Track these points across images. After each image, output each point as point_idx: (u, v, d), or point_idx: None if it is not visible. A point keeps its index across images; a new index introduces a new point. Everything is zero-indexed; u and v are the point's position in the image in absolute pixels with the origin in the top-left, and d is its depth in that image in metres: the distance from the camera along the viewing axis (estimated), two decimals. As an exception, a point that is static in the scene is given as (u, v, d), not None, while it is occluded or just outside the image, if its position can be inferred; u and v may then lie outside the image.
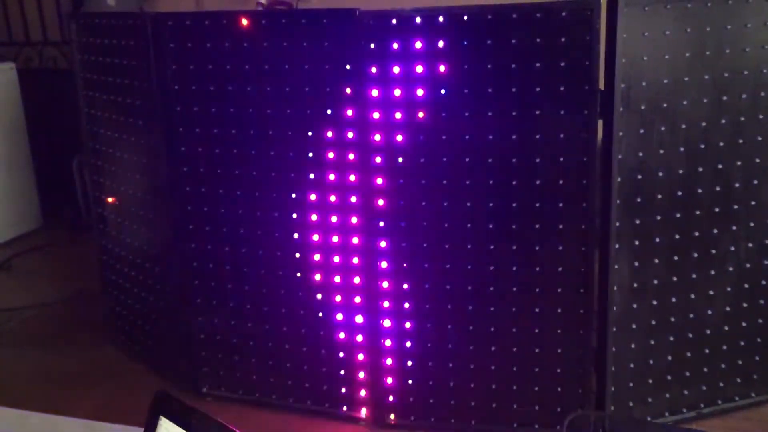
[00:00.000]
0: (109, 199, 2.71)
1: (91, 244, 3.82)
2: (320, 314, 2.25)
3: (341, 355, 2.26)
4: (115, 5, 3.93)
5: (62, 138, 4.42)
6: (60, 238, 4.11)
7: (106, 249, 2.80)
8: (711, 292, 2.15)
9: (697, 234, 2.09)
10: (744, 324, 2.20)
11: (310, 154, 2.15)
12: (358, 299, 2.21)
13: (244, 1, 3.86)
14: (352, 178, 2.12)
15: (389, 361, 2.22)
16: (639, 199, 2.02)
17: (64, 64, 4.62)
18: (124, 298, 2.76)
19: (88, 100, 2.67)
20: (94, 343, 2.86)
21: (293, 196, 2.19)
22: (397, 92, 2.02)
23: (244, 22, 2.12)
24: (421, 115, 2.02)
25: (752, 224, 2.13)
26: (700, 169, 2.05)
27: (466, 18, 1.94)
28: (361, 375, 2.26)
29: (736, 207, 2.10)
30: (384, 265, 2.15)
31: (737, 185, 2.09)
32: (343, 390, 2.29)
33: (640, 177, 2.01)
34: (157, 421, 0.66)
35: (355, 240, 2.17)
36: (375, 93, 2.03)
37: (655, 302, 2.11)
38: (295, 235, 2.22)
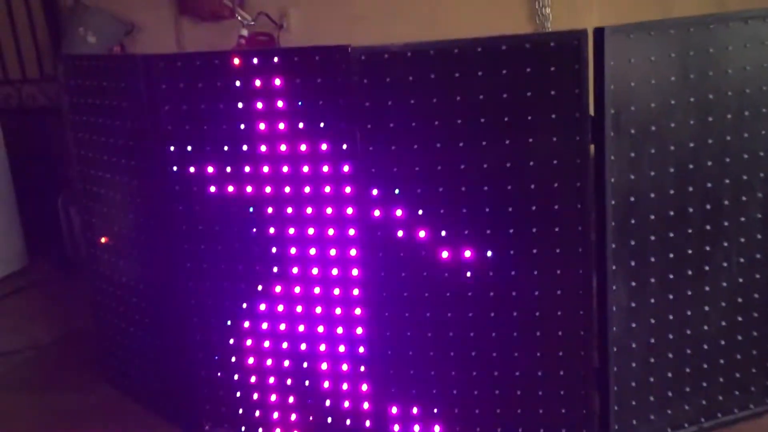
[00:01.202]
0: (102, 240, 2.70)
1: (79, 283, 3.81)
2: (322, 347, 2.26)
3: (345, 387, 2.27)
4: (96, 42, 3.92)
5: (45, 176, 4.40)
6: (47, 277, 4.07)
7: (100, 289, 2.78)
8: (706, 308, 2.19)
9: (690, 252, 2.14)
10: (739, 337, 2.24)
11: (307, 189, 2.16)
12: (359, 330, 2.22)
13: (226, 34, 3.88)
14: (350, 211, 2.15)
15: (393, 390, 2.23)
16: (633, 221, 2.06)
17: (44, 102, 4.61)
18: (120, 338, 2.74)
19: (78, 141, 2.67)
20: (90, 385, 2.83)
21: (291, 231, 2.20)
22: (392, 124, 2.05)
23: (236, 61, 2.14)
24: (415, 147, 2.05)
25: (743, 240, 2.18)
26: (690, 189, 2.10)
27: (456, 51, 1.98)
28: (366, 406, 2.26)
29: (726, 224, 2.15)
30: (384, 294, 2.17)
31: (726, 203, 2.14)
32: (348, 422, 2.29)
33: (632, 199, 2.05)
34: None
35: (355, 272, 2.19)
36: (370, 126, 2.06)
37: (653, 320, 2.14)
38: (294, 270, 2.23)
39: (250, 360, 2.35)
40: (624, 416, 2.16)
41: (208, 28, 4.02)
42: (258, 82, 2.12)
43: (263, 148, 2.17)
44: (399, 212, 2.10)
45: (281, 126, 2.14)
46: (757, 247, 2.20)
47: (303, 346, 2.28)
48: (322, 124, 2.11)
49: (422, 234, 2.10)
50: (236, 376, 2.38)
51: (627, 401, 2.16)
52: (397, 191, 2.09)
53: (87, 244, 2.79)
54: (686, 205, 2.11)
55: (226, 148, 2.20)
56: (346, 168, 2.13)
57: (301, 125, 2.12)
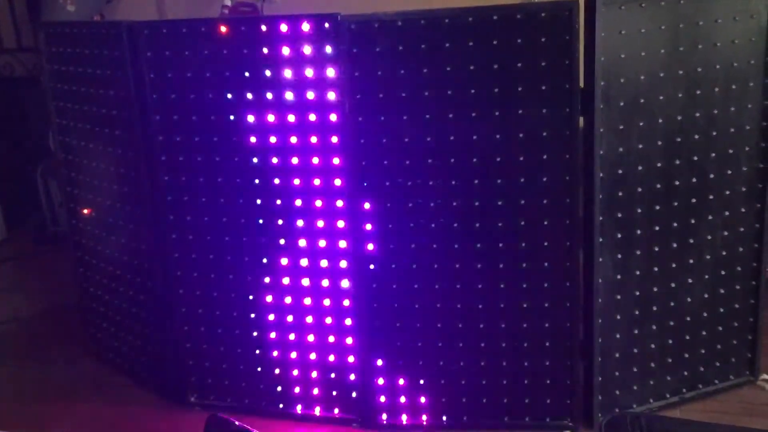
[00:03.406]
0: (85, 211, 2.66)
1: (58, 256, 3.76)
2: (309, 319, 2.26)
3: (331, 358, 2.27)
4: (75, 11, 3.84)
5: (23, 147, 4.33)
6: (26, 250, 4.02)
7: (83, 261, 2.75)
8: (690, 281, 2.21)
9: (675, 225, 2.15)
10: (721, 310, 2.27)
11: (295, 160, 2.15)
12: (346, 302, 2.22)
13: (208, 4, 3.82)
14: (338, 182, 2.13)
15: (379, 362, 2.23)
16: (620, 193, 2.07)
17: (22, 72, 4.52)
18: (104, 310, 2.72)
19: (59, 111, 2.62)
20: (73, 357, 2.81)
21: (278, 202, 2.19)
22: (381, 95, 2.03)
23: (223, 29, 2.10)
24: (405, 118, 2.03)
25: (727, 213, 2.20)
26: (677, 162, 2.11)
27: (447, 21, 1.96)
28: (352, 377, 2.27)
29: (711, 197, 2.17)
30: (372, 267, 2.16)
31: (712, 176, 2.16)
32: (335, 393, 2.30)
33: (620, 171, 2.06)
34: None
35: (342, 243, 2.18)
36: (360, 96, 2.04)
37: (637, 293, 2.16)
38: (282, 241, 2.22)
39: (236, 332, 2.34)
40: (608, 387, 2.19)
41: (190, -1, 3.97)
42: (245, 51, 2.09)
43: (251, 118, 2.15)
44: (387, 183, 2.10)
45: (269, 96, 2.12)
46: (740, 220, 2.22)
47: (290, 318, 2.28)
48: (311, 94, 2.09)
49: (410, 205, 2.10)
50: (222, 348, 2.37)
51: (611, 372, 2.19)
52: (385, 162, 2.08)
53: (69, 216, 2.75)
54: (673, 178, 2.12)
55: (212, 117, 2.18)
56: (334, 139, 2.11)
57: (290, 95, 2.10)
